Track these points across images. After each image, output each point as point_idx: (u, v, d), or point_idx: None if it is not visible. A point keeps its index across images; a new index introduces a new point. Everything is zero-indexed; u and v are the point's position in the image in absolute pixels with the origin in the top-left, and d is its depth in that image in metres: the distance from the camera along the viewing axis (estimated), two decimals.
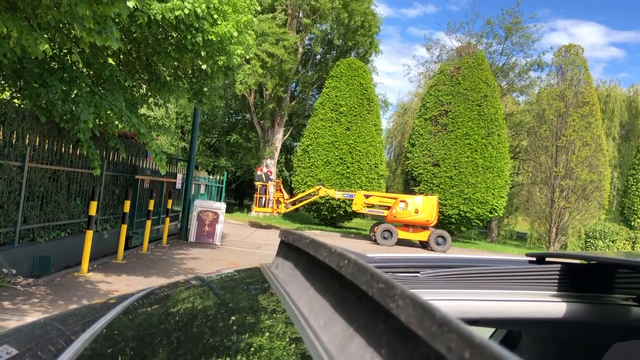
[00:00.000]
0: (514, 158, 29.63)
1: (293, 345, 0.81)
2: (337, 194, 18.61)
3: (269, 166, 26.66)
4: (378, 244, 17.59)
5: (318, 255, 0.89)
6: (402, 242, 18.36)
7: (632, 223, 25.38)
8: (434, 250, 17.33)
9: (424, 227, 17.98)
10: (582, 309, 1.53)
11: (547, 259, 1.70)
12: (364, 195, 18.29)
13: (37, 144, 7.17)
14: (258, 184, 19.47)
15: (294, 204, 19.57)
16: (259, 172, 20.17)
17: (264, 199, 19.09)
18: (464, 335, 0.42)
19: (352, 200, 18.65)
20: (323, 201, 21.33)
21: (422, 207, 17.48)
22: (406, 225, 17.97)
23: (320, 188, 18.84)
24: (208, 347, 0.85)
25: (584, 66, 24.56)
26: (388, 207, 18.14)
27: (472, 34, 32.71)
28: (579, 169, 23.23)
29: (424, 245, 18.35)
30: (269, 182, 19.29)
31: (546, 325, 1.66)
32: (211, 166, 29.08)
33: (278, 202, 19.13)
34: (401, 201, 17.79)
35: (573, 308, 1.52)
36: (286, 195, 19.47)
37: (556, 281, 1.56)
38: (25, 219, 7.09)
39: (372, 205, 18.47)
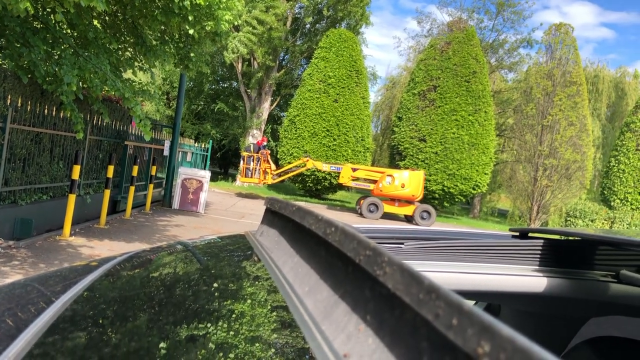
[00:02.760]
0: (499, 135, 29.77)
1: (277, 311, 0.80)
2: (325, 166, 18.59)
3: (256, 136, 26.50)
4: (364, 216, 17.70)
5: (304, 222, 0.88)
6: (387, 216, 18.49)
7: (612, 203, 25.75)
8: (418, 225, 17.46)
9: (409, 202, 18.08)
10: (562, 284, 1.55)
11: (530, 234, 1.72)
12: (351, 168, 18.31)
13: (19, 105, 7.03)
14: (245, 154, 19.31)
15: (280, 175, 19.51)
16: (263, 143, 19.86)
17: (250, 169, 19.00)
18: (453, 303, 0.42)
19: (338, 172, 18.68)
20: (309, 173, 21.29)
21: (409, 181, 17.56)
22: (392, 200, 18.05)
23: (307, 160, 18.78)
24: (191, 311, 0.85)
25: (574, 45, 24.57)
26: (374, 181, 18.19)
27: (464, 9, 32.54)
28: (563, 148, 23.42)
29: (408, 219, 18.47)
30: (258, 152, 19.13)
31: (526, 299, 1.68)
32: (196, 133, 28.82)
33: (265, 172, 19.06)
34: (388, 175, 17.84)
35: (553, 283, 1.54)
36: (273, 167, 19.38)
37: (538, 256, 1.58)
38: (6, 181, 6.99)
39: (359, 179, 18.51)
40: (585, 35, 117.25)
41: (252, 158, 18.98)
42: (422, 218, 17.84)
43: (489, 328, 0.36)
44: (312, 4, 25.30)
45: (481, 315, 0.38)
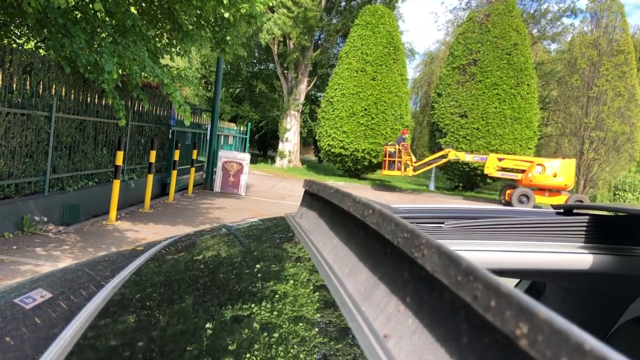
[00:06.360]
0: (543, 109, 28.90)
1: (318, 292, 0.82)
2: (468, 157, 18.31)
3: (295, 116, 26.45)
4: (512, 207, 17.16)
5: (342, 204, 0.89)
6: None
7: None
8: None
9: (559, 191, 17.51)
10: (608, 260, 1.51)
11: (575, 211, 1.68)
12: (498, 158, 17.91)
13: (63, 94, 7.23)
14: (388, 148, 19.26)
15: (421, 167, 19.35)
16: (404, 136, 19.78)
17: (394, 162, 18.94)
18: (490, 285, 0.42)
19: (482, 163, 18.37)
20: (359, 155, 21.11)
21: (561, 170, 16.96)
22: (541, 189, 17.47)
23: (449, 151, 18.55)
24: (234, 293, 0.87)
25: (621, 12, 23.53)
26: (522, 171, 17.68)
27: None
28: (610, 120, 22.60)
29: None
30: (399, 144, 19.02)
31: (572, 276, 1.65)
32: (234, 115, 29.04)
33: (406, 165, 19.00)
34: (538, 164, 17.26)
35: (599, 260, 1.50)
36: (414, 158, 19.30)
37: (583, 233, 1.54)
38: (55, 169, 7.24)
39: (505, 169, 18.00)
40: (634, 1, 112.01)
41: (395, 151, 18.93)
42: None
43: (527, 310, 0.36)
44: None
45: (519, 297, 0.38)
